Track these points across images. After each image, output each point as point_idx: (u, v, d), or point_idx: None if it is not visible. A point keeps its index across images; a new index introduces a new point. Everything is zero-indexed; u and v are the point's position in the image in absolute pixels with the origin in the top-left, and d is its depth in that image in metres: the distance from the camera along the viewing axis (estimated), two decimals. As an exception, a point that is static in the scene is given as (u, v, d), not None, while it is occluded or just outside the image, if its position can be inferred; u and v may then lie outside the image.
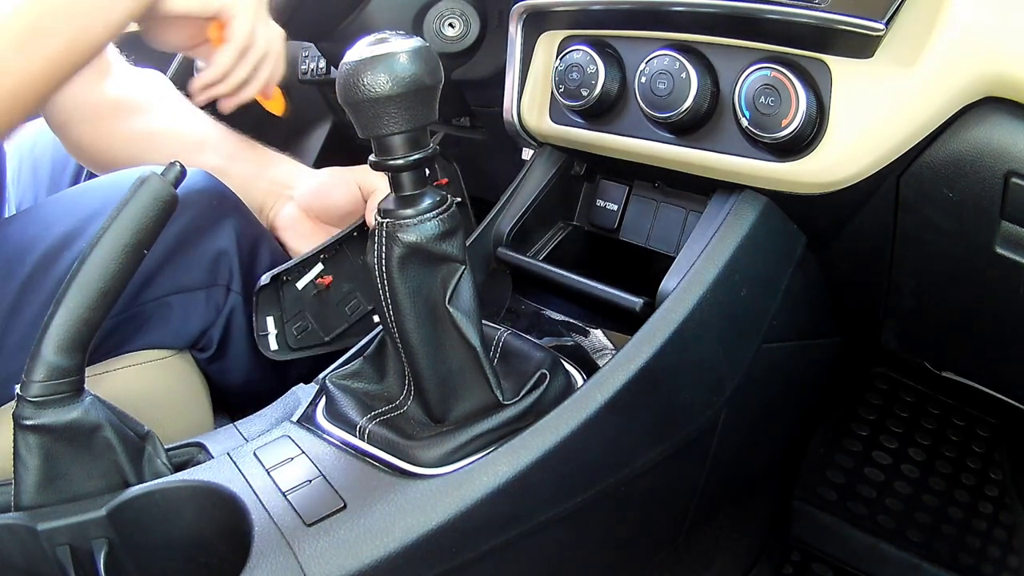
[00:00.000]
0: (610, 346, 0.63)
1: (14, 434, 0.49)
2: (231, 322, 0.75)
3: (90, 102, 0.81)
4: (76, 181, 0.92)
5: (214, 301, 0.74)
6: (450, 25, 0.91)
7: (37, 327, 0.49)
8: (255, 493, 0.49)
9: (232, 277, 0.74)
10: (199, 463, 0.54)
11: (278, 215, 0.87)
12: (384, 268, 0.49)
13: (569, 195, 0.76)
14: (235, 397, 0.80)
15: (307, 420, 0.57)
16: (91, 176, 0.90)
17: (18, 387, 0.49)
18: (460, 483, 0.49)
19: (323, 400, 0.58)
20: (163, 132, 0.85)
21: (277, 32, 0.81)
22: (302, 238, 0.85)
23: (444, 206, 0.50)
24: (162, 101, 0.88)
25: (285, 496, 0.49)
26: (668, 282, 0.59)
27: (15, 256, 0.67)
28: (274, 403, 0.61)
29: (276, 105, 0.86)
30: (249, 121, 1.01)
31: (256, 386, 0.79)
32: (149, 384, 0.73)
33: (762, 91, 0.56)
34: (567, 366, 0.59)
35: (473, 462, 0.50)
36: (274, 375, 0.79)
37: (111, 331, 0.70)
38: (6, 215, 0.85)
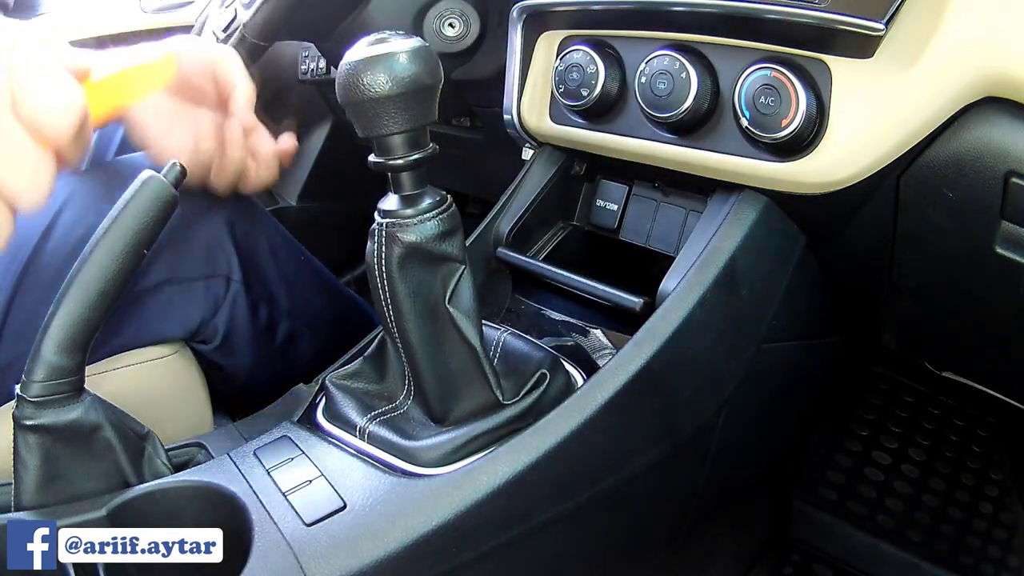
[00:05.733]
0: (610, 346, 0.63)
1: (14, 434, 0.49)
2: (235, 312, 0.73)
3: None
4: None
5: (213, 292, 0.72)
6: (450, 25, 0.91)
7: (26, 333, 0.49)
8: (255, 493, 0.49)
9: (231, 267, 0.72)
10: (199, 463, 0.54)
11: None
12: (384, 268, 0.49)
13: (569, 195, 0.76)
14: (238, 390, 0.79)
15: (307, 420, 0.57)
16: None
17: (18, 387, 0.49)
18: (460, 483, 0.49)
19: (323, 400, 0.58)
20: None
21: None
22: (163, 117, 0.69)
23: (444, 206, 0.49)
24: None
25: (285, 496, 0.49)
26: (668, 282, 0.59)
27: None
28: (274, 403, 0.62)
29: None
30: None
31: (261, 376, 0.77)
32: (149, 384, 0.73)
33: (762, 91, 0.56)
34: (567, 366, 0.59)
35: (473, 462, 0.50)
36: (281, 365, 0.78)
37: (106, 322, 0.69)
38: None
